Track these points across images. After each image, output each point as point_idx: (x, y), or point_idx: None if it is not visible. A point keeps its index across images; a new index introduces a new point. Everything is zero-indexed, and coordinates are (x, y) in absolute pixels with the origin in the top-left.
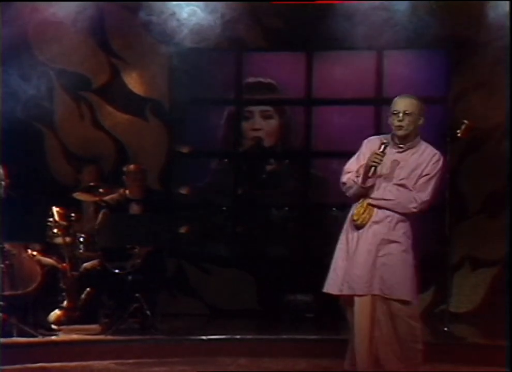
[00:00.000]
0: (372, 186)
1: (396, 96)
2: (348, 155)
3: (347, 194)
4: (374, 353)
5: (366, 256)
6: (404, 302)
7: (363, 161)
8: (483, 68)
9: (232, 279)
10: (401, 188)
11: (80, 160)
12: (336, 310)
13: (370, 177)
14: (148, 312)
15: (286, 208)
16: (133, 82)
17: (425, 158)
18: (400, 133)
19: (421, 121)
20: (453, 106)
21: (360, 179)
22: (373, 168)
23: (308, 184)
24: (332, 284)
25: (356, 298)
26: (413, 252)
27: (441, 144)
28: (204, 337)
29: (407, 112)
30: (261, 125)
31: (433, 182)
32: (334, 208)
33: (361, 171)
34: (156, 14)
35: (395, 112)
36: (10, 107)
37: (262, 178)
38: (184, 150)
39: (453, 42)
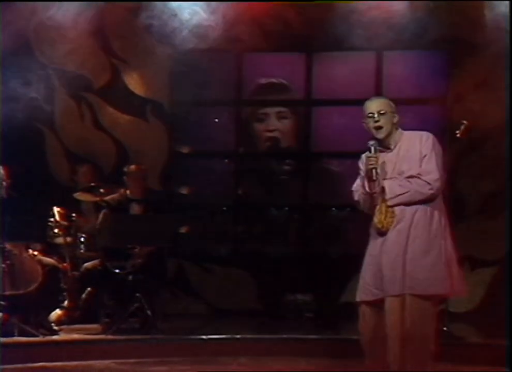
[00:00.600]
0: (383, 190)
1: (395, 96)
2: (348, 155)
3: (365, 210)
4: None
5: (394, 256)
6: (429, 298)
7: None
8: (481, 69)
9: (233, 279)
10: (410, 179)
11: (81, 160)
12: (335, 310)
13: (374, 181)
14: (148, 312)
15: (286, 208)
16: (134, 83)
17: (415, 142)
18: (380, 135)
19: (396, 119)
20: (452, 106)
21: (366, 188)
22: (373, 171)
23: (308, 184)
24: (365, 292)
25: (388, 299)
26: (444, 241)
27: (440, 144)
28: (204, 337)
29: (381, 112)
30: (276, 126)
31: (433, 160)
32: (333, 209)
33: (361, 181)
34: (157, 15)
35: (370, 115)
36: (12, 108)
37: (262, 178)
38: (185, 150)
39: (451, 43)
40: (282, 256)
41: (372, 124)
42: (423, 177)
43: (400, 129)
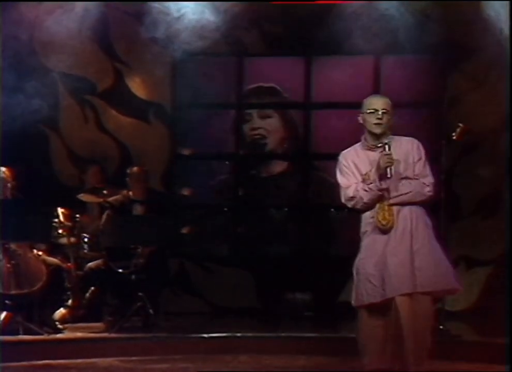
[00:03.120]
0: (387, 188)
1: (392, 99)
2: None
3: (359, 206)
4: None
5: (402, 256)
6: (432, 296)
7: (356, 172)
8: (478, 72)
9: (233, 278)
10: (410, 180)
11: (85, 162)
12: (334, 308)
13: (388, 178)
14: (150, 310)
15: (286, 209)
16: (136, 86)
17: (407, 147)
18: (378, 130)
19: (392, 121)
20: (449, 109)
21: (377, 184)
22: (389, 169)
23: (308, 185)
24: (371, 294)
25: (398, 298)
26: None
27: (436, 147)
28: (205, 335)
29: (384, 110)
30: (260, 124)
31: (427, 165)
32: (332, 209)
33: (373, 177)
34: (159, 19)
35: (372, 111)
36: (17, 111)
37: (262, 179)
38: (186, 152)
39: (448, 47)
40: (281, 256)
41: (372, 120)
42: (421, 180)
43: (389, 132)
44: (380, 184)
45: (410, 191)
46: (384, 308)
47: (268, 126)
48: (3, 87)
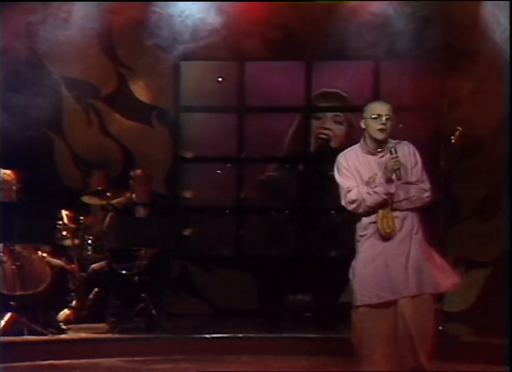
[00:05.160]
0: (392, 193)
1: (393, 103)
2: None
3: (361, 210)
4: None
5: (404, 260)
6: (432, 297)
7: (357, 175)
8: (476, 77)
9: (235, 279)
10: (410, 185)
11: (89, 165)
12: (334, 310)
13: (393, 182)
14: (153, 311)
15: (287, 211)
16: (139, 90)
17: (404, 152)
18: (381, 136)
19: (394, 127)
20: (447, 113)
21: (384, 187)
22: (397, 172)
23: (308, 188)
24: (369, 295)
25: (402, 301)
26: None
27: (435, 150)
28: (207, 336)
29: (387, 116)
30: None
31: (423, 170)
32: (332, 211)
33: (379, 181)
34: (162, 24)
35: (376, 116)
36: (21, 114)
37: (265, 183)
38: (189, 155)
39: (447, 51)
40: (282, 258)
41: (376, 125)
42: (420, 185)
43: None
44: (388, 188)
45: (411, 197)
46: (380, 310)
47: (337, 131)
48: (7, 91)
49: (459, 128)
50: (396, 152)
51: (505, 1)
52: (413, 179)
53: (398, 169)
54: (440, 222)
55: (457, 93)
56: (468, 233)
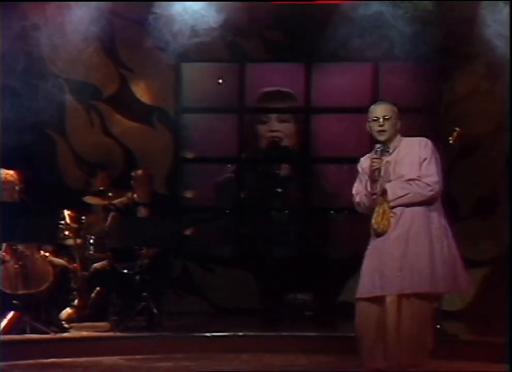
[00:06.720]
0: (385, 192)
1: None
2: (346, 160)
3: (364, 211)
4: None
5: (396, 257)
6: (427, 297)
7: (363, 178)
8: (474, 78)
9: (235, 279)
10: (411, 182)
11: (90, 165)
12: (334, 309)
13: (376, 181)
14: (154, 310)
15: (287, 211)
16: (141, 91)
17: (414, 147)
18: (382, 137)
19: (398, 125)
20: (446, 114)
21: (369, 188)
22: (376, 172)
23: (308, 188)
24: (363, 289)
25: (388, 298)
26: (446, 240)
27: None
28: (208, 334)
29: (386, 117)
30: (279, 127)
31: (433, 163)
32: (332, 211)
33: (368, 182)
34: (162, 26)
35: (375, 119)
36: (24, 116)
37: (264, 182)
38: (190, 155)
39: (446, 53)
40: (282, 257)
41: (376, 128)
42: (423, 180)
43: (399, 135)
44: (372, 188)
45: (408, 194)
46: (374, 304)
47: (285, 130)
48: (10, 92)
49: (457, 129)
50: (380, 154)
51: (505, 1)
52: (417, 174)
53: (378, 169)
54: None
55: (455, 95)
56: (466, 232)
